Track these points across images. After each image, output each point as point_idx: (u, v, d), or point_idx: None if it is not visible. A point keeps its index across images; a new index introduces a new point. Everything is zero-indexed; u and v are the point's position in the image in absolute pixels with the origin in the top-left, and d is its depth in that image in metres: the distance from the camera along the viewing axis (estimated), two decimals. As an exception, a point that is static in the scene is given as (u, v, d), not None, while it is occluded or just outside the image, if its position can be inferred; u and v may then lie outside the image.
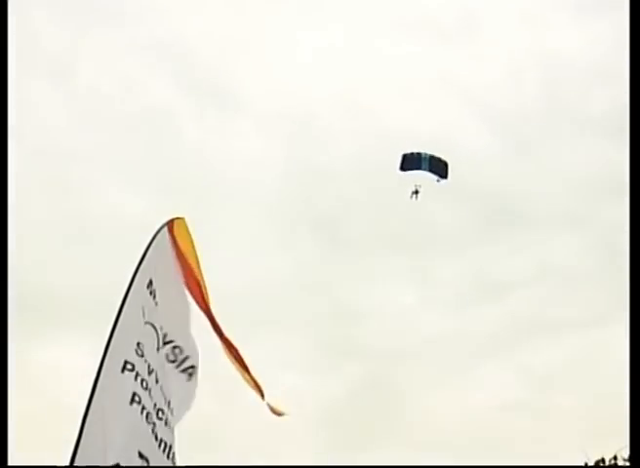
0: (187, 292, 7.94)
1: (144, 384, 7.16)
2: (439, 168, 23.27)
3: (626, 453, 15.07)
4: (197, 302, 7.99)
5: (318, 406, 34.11)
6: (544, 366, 34.76)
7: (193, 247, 7.93)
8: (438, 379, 35.50)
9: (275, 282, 37.03)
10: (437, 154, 23.47)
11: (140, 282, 7.43)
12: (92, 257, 35.49)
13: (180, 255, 7.85)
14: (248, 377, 8.10)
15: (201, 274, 8.02)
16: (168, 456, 7.31)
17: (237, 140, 40.25)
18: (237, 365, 8.10)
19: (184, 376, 7.81)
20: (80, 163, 39.41)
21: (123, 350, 7.10)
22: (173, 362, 7.74)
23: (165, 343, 7.65)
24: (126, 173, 38.93)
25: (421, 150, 23.49)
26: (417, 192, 24.27)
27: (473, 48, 38.37)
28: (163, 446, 7.28)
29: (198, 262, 7.97)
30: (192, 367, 7.84)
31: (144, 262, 7.51)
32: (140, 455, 6.96)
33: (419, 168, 23.24)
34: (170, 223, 7.78)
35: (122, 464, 6.71)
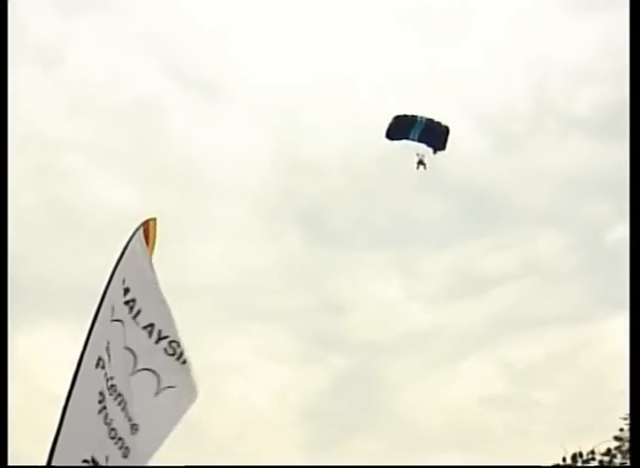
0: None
1: (109, 383, 7.30)
2: (434, 136, 18.73)
3: (604, 448, 15.39)
4: None
5: (302, 397, 34.38)
6: (526, 361, 35.15)
7: (153, 248, 8.18)
8: (421, 372, 35.83)
9: (260, 273, 37.18)
10: (436, 118, 18.72)
11: (117, 279, 7.64)
12: (77, 246, 35.55)
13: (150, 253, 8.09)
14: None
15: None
16: (125, 456, 7.42)
17: (225, 132, 40.28)
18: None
19: (186, 367, 8.01)
20: (67, 151, 39.35)
21: (99, 345, 7.25)
22: (172, 355, 7.96)
23: (160, 338, 7.88)
24: (113, 162, 38.89)
25: (417, 113, 18.64)
26: (421, 162, 19.73)
27: (462, 45, 38.54)
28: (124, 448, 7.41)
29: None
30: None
31: (122, 261, 7.71)
32: (92, 460, 7.03)
33: (407, 136, 18.73)
34: (146, 224, 8.06)
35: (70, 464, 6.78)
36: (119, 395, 7.46)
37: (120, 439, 7.44)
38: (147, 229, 8.05)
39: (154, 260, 8.18)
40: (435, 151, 19.05)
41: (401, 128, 18.48)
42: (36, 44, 39.56)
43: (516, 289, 38.08)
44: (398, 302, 38.41)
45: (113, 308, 7.59)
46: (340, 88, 38.44)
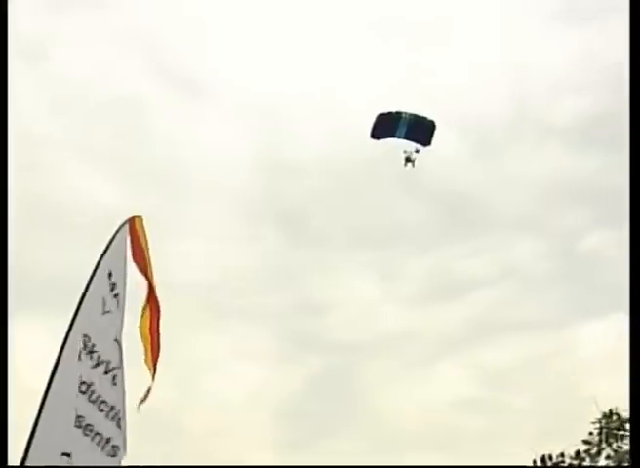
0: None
1: (89, 376, 7.37)
2: (421, 132, 18.20)
3: (573, 451, 15.77)
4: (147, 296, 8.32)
5: (278, 397, 34.54)
6: (499, 365, 35.57)
7: (147, 245, 8.36)
8: (397, 374, 36.12)
9: (240, 273, 37.33)
10: (422, 113, 18.11)
11: (102, 273, 7.80)
12: (59, 241, 35.52)
13: (139, 252, 8.22)
14: (150, 360, 8.23)
15: (152, 270, 8.35)
16: (103, 448, 7.49)
17: (207, 132, 40.41)
18: (151, 349, 8.25)
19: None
20: (50, 147, 39.29)
21: (79, 338, 7.34)
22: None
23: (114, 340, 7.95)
24: (96, 159, 38.87)
25: (402, 109, 18.13)
26: (409, 159, 18.97)
27: (444, 53, 38.96)
28: (98, 439, 7.45)
29: (150, 260, 8.40)
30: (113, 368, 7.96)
31: (107, 255, 7.89)
32: (66, 454, 7.05)
33: (393, 134, 18.21)
34: (131, 221, 8.25)
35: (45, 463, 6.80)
36: (94, 391, 7.48)
37: (97, 434, 7.46)
38: (133, 227, 8.24)
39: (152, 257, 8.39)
40: (424, 146, 18.37)
41: (386, 126, 17.98)
42: (21, 40, 39.49)
43: (492, 293, 38.57)
44: (376, 304, 38.75)
45: (104, 300, 7.77)
46: (323, 92, 38.78)
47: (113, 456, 7.65)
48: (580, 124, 39.94)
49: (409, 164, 19.07)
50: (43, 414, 6.83)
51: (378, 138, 18.50)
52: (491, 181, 39.04)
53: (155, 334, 8.33)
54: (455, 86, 34.51)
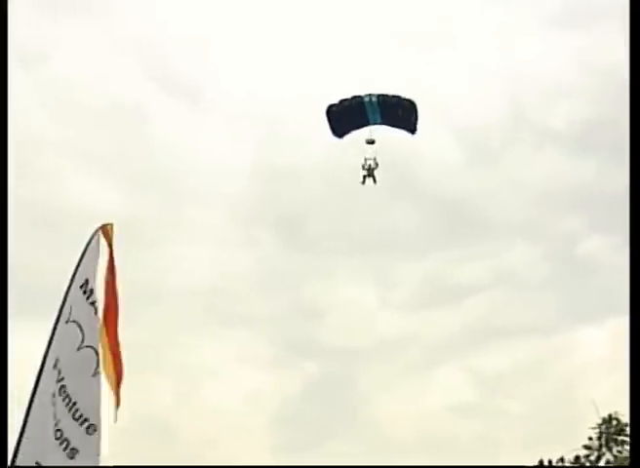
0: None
1: (59, 384, 7.42)
2: (400, 116, 13.91)
3: (573, 456, 15.76)
4: (106, 306, 8.13)
5: (275, 402, 34.52)
6: (496, 370, 35.58)
7: (112, 252, 8.23)
8: (393, 379, 36.09)
9: (237, 279, 37.32)
10: (391, 92, 13.81)
11: (77, 281, 7.81)
12: (55, 246, 35.44)
13: (110, 259, 8.17)
14: (114, 382, 8.01)
15: (114, 280, 8.18)
16: (72, 458, 7.48)
17: (205, 138, 40.40)
18: (112, 373, 8.01)
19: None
20: (47, 152, 39.27)
21: (58, 346, 7.45)
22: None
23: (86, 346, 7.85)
24: (93, 164, 38.84)
25: (364, 92, 13.82)
26: (370, 173, 15.27)
27: (441, 57, 38.98)
28: (66, 447, 7.46)
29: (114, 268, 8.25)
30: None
31: (82, 264, 7.89)
32: (37, 463, 7.13)
33: (365, 123, 14.22)
34: (104, 228, 8.21)
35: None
36: (67, 396, 7.53)
37: (65, 440, 7.48)
38: (106, 234, 8.18)
39: (120, 263, 8.28)
40: (410, 132, 14.57)
41: (351, 115, 14.27)
42: (19, 44, 39.50)
43: (488, 299, 38.56)
44: (372, 309, 38.74)
45: (71, 308, 7.72)
46: (320, 98, 38.74)
47: (71, 458, 7.57)
48: (577, 129, 40.03)
49: (369, 180, 15.86)
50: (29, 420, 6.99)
51: (342, 135, 15.12)
52: (487, 187, 39.10)
53: (117, 354, 8.04)
54: (452, 91, 34.60)
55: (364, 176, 15.90)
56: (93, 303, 7.94)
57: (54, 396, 7.42)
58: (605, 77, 39.19)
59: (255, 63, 40.28)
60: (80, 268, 7.89)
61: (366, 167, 15.69)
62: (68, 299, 7.72)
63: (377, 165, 15.53)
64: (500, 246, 39.56)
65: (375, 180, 15.80)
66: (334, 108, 14.65)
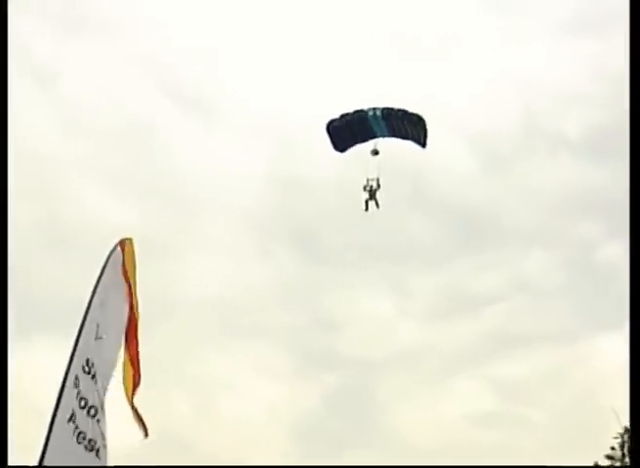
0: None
1: (83, 403, 7.50)
2: (409, 128, 13.54)
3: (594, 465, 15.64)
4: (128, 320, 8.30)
5: (294, 413, 34.49)
6: (515, 378, 35.39)
7: (134, 266, 8.37)
8: (413, 389, 36.00)
9: (253, 290, 37.39)
10: (396, 106, 13.50)
11: (98, 297, 7.88)
12: (71, 262, 35.68)
13: (124, 273, 8.26)
14: (130, 395, 8.18)
15: (136, 294, 8.31)
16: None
17: (220, 151, 40.66)
18: (130, 392, 8.19)
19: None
20: (62, 169, 39.62)
21: (78, 363, 7.54)
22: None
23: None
24: (108, 180, 39.17)
25: (366, 107, 13.58)
26: (372, 195, 14.56)
27: (452, 66, 39.06)
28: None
29: (136, 282, 8.40)
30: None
31: (103, 279, 7.97)
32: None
33: (370, 136, 13.83)
34: (122, 243, 8.29)
35: None
36: (91, 407, 7.63)
37: (98, 450, 7.65)
38: (124, 249, 8.25)
39: (140, 278, 8.35)
40: (420, 145, 14.07)
41: (354, 130, 14.13)
42: (34, 63, 39.99)
43: (506, 307, 38.42)
44: (390, 320, 38.67)
45: (98, 326, 7.80)
46: (334, 111, 38.81)
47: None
48: (590, 135, 39.93)
49: (369, 204, 14.85)
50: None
51: (344, 150, 14.67)
52: (502, 195, 39.04)
53: (136, 368, 8.21)
54: (464, 100, 34.61)
55: (366, 201, 15.05)
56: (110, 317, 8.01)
57: (73, 414, 7.46)
58: (617, 83, 39.04)
59: (268, 77, 40.55)
60: (100, 284, 7.94)
61: (368, 188, 14.99)
62: (91, 315, 7.77)
63: (379, 186, 14.94)
64: (517, 254, 39.49)
65: (377, 205, 15.12)
66: (335, 123, 14.51)
